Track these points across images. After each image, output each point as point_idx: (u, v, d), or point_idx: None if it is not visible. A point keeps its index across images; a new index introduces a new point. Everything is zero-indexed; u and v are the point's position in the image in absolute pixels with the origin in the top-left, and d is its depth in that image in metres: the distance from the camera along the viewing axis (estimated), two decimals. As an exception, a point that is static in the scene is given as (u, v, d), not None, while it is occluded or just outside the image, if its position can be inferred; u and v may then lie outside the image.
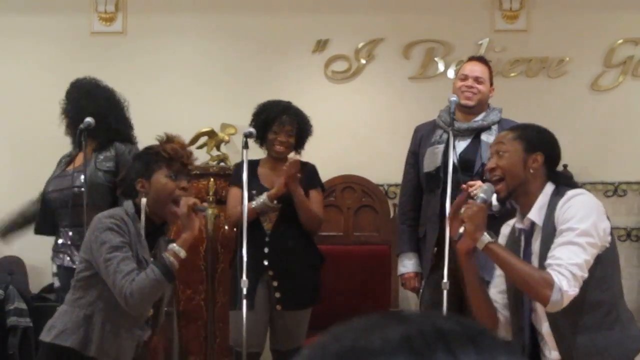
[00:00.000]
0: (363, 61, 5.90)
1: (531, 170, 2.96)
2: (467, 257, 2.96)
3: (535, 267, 2.85)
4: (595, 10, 5.79)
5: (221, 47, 5.96)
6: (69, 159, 4.47)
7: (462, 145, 4.20)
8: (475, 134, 4.21)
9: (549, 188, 2.97)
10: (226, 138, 5.62)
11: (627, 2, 5.80)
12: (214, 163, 5.48)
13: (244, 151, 4.03)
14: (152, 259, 3.19)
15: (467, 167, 4.09)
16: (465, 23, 5.82)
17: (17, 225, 4.57)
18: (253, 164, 4.50)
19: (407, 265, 4.35)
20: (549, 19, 5.82)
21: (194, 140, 5.53)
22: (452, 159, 3.88)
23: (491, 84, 4.34)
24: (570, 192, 2.92)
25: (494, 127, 4.20)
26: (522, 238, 3.01)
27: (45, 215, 4.37)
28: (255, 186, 4.31)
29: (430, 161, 4.22)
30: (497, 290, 3.09)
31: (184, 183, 3.27)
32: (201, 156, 5.53)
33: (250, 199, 4.16)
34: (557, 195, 2.93)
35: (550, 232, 2.89)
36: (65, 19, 5.93)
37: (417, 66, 5.84)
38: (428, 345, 0.68)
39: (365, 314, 0.75)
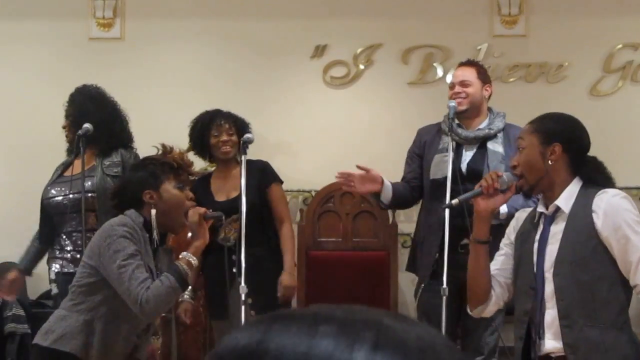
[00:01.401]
0: (362, 66, 5.89)
1: (550, 162, 2.96)
2: (484, 216, 2.96)
3: None
4: (594, 15, 5.79)
5: (219, 53, 5.95)
6: (63, 167, 4.46)
7: (469, 154, 4.19)
8: (482, 142, 4.20)
9: (577, 183, 2.98)
10: (224, 144, 5.60)
11: (626, 7, 5.79)
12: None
13: (242, 157, 4.03)
14: (160, 268, 3.19)
15: (475, 177, 4.02)
16: (464, 28, 5.82)
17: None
18: (205, 180, 4.51)
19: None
20: (548, 24, 5.81)
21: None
22: (450, 166, 3.88)
23: (485, 83, 4.31)
24: (612, 191, 2.95)
25: (500, 135, 4.19)
26: (541, 222, 3.01)
27: (47, 223, 4.36)
28: (210, 205, 4.23)
29: (438, 169, 4.18)
30: (495, 268, 3.09)
31: (190, 194, 3.27)
32: (199, 162, 5.52)
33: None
34: (587, 188, 2.95)
35: (580, 219, 2.90)
36: (63, 24, 5.92)
37: (415, 71, 5.84)
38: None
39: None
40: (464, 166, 4.16)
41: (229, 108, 5.69)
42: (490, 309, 3.08)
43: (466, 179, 4.00)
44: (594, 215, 2.88)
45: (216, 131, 4.44)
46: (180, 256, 3.13)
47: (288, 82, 5.86)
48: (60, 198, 4.32)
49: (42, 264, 4.56)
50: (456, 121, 4.16)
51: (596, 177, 3.01)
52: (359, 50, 5.87)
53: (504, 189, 2.97)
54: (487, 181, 2.95)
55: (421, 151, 4.34)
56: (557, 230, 2.95)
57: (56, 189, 4.36)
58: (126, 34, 5.96)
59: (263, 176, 4.45)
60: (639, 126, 5.73)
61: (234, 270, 4.22)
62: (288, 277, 4.39)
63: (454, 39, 5.81)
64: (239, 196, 4.26)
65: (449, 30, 5.82)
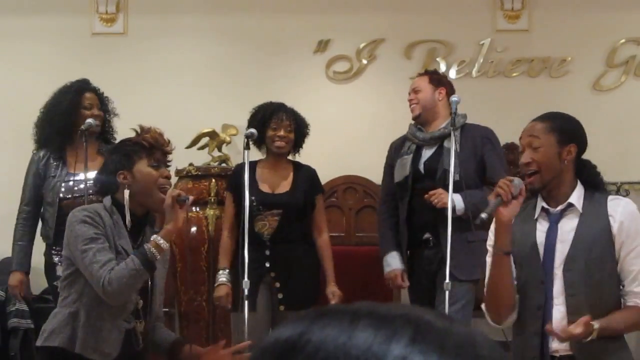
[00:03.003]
0: (364, 61, 5.89)
1: (565, 162, 2.98)
2: (508, 225, 2.94)
3: (632, 313, 2.93)
4: (597, 10, 5.78)
5: (222, 48, 5.95)
6: (61, 161, 4.41)
7: (427, 153, 4.36)
8: (441, 142, 4.31)
9: (581, 185, 3.02)
10: (227, 139, 5.61)
11: (630, 1, 5.79)
12: (216, 164, 5.47)
13: (245, 152, 4.03)
14: (133, 250, 3.16)
15: (431, 175, 4.25)
16: (467, 23, 5.82)
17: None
18: (251, 167, 4.49)
19: (391, 263, 4.41)
20: (551, 19, 5.81)
21: (196, 141, 5.53)
22: (436, 165, 4.06)
23: (438, 87, 4.38)
24: (624, 200, 3.04)
25: (456, 133, 4.27)
26: (546, 219, 3.01)
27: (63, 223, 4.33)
28: (254, 192, 4.27)
29: (400, 171, 4.35)
30: None
31: (166, 172, 3.25)
32: (202, 157, 5.53)
33: (250, 205, 4.13)
34: (591, 191, 3.00)
35: (596, 220, 2.93)
36: (66, 19, 5.92)
37: (418, 66, 5.83)
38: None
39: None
40: (422, 165, 4.32)
41: (231, 102, 5.73)
42: (515, 315, 3.07)
43: (425, 177, 4.24)
44: (610, 219, 2.92)
45: (275, 125, 4.41)
46: (152, 239, 3.12)
47: (291, 77, 5.86)
48: (70, 196, 4.31)
49: (42, 259, 4.55)
50: (420, 122, 4.39)
51: (594, 181, 3.04)
52: (361, 45, 5.88)
53: (516, 194, 2.95)
54: (503, 189, 2.93)
55: (393, 161, 4.47)
56: (568, 228, 2.96)
57: (67, 186, 4.35)
58: (129, 29, 5.97)
59: (314, 184, 4.50)
60: (642, 121, 5.73)
61: (267, 264, 4.26)
62: (336, 287, 4.44)
63: (457, 34, 5.81)
64: (286, 194, 4.37)
65: (452, 25, 5.82)
